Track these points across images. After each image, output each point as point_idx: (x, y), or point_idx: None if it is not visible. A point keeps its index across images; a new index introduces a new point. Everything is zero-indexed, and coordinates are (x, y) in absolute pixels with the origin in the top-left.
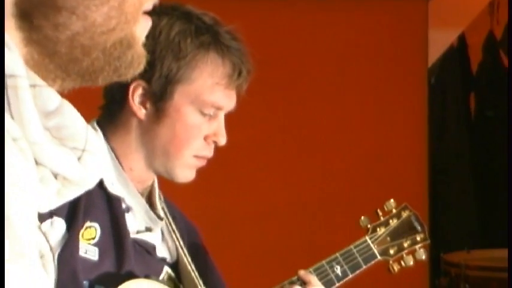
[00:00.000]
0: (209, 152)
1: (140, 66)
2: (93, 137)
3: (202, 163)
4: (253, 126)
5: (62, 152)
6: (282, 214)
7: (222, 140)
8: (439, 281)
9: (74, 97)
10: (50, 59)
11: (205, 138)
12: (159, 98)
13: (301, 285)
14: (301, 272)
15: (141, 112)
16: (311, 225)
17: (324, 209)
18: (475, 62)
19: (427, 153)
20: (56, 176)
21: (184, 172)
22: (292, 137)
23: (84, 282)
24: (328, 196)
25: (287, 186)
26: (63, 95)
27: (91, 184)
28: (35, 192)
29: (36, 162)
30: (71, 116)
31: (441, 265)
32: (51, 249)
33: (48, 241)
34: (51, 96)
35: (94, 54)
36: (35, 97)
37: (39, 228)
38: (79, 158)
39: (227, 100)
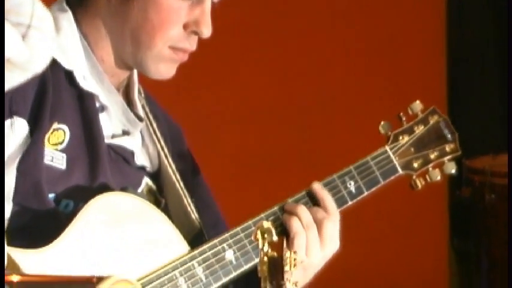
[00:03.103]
0: (190, 45)
1: None
2: (40, 10)
3: (181, 58)
4: (239, 9)
5: (4, 28)
6: (276, 115)
7: (206, 32)
8: (460, 192)
9: None
10: None
11: (185, 27)
12: None
13: (308, 202)
14: (316, 186)
15: None
16: (310, 129)
17: (325, 109)
18: None
19: (444, 40)
20: None
21: (159, 67)
22: (286, 22)
23: (50, 195)
24: (330, 93)
25: (281, 82)
26: None
27: (39, 67)
28: None
29: None
30: None
31: (463, 173)
32: None
33: None
34: None
35: None
36: None
37: None
38: (24, 36)
39: None
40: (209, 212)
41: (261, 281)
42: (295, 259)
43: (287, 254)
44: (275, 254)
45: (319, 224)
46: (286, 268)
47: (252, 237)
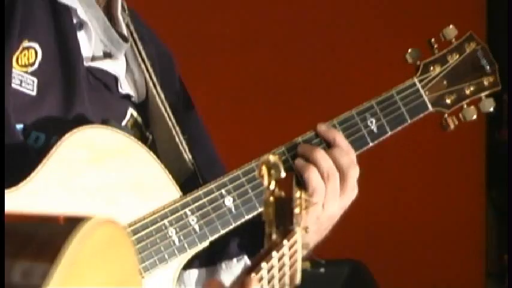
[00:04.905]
0: None
1: None
2: None
3: None
4: None
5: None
6: (282, 37)
7: None
8: (499, 133)
9: None
10: None
11: None
12: None
13: (322, 143)
14: (322, 127)
15: None
16: (324, 56)
17: (342, 31)
18: None
19: None
20: None
21: None
22: None
23: (17, 126)
24: (349, 12)
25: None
26: None
27: None
28: None
29: None
30: None
31: (503, 111)
32: None
33: None
34: None
35: None
36: None
37: None
38: None
39: None
40: (204, 153)
41: (266, 225)
42: (306, 200)
43: (297, 193)
44: (283, 193)
45: (342, 172)
46: (296, 210)
47: (256, 174)
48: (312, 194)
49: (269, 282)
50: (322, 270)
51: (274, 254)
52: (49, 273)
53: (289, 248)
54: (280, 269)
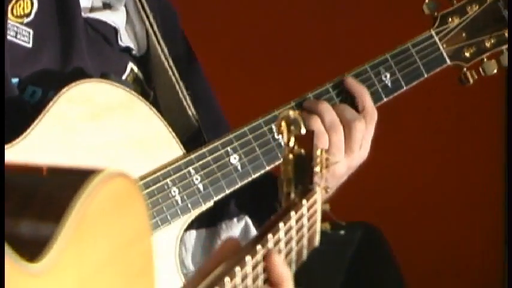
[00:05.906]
0: None
1: None
2: None
3: None
4: None
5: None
6: None
7: None
8: None
9: None
10: None
11: None
12: None
13: (333, 98)
14: (350, 79)
15: None
16: (334, 4)
17: None
18: None
19: None
20: None
21: None
22: None
23: (13, 80)
24: None
25: None
26: None
27: None
28: None
29: None
30: None
31: None
32: None
33: None
34: None
35: None
36: None
37: None
38: None
39: None
40: (208, 110)
41: (284, 184)
42: (327, 159)
43: (318, 151)
44: (303, 151)
45: (347, 125)
46: (316, 169)
47: (275, 130)
48: None
49: (286, 244)
50: (342, 232)
51: (292, 214)
52: (55, 233)
53: (308, 209)
54: (298, 231)
